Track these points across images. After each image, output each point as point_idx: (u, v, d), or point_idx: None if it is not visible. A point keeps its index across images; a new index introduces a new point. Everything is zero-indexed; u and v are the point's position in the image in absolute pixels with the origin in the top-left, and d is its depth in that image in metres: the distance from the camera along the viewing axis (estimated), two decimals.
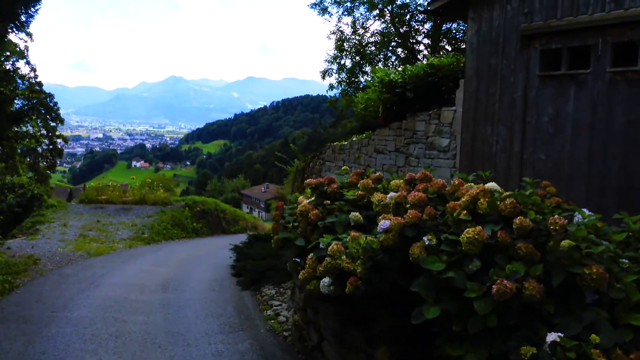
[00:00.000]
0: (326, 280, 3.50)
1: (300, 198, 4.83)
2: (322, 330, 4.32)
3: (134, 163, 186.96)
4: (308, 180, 4.46)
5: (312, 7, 23.36)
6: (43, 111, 24.62)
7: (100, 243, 13.61)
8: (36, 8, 21.20)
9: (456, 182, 3.31)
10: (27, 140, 13.17)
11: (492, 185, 3.52)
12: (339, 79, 23.40)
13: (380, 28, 22.61)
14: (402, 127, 7.56)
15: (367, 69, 23.01)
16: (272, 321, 6.37)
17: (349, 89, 23.47)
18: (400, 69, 8.11)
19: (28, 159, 24.54)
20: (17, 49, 24.26)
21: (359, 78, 23.55)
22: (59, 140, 24.76)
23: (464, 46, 8.30)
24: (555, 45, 5.18)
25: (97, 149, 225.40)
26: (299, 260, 4.45)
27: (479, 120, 5.95)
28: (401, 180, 3.90)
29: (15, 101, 21.61)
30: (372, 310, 3.61)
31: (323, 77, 22.89)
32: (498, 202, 2.93)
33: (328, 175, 10.84)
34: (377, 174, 4.42)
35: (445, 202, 3.28)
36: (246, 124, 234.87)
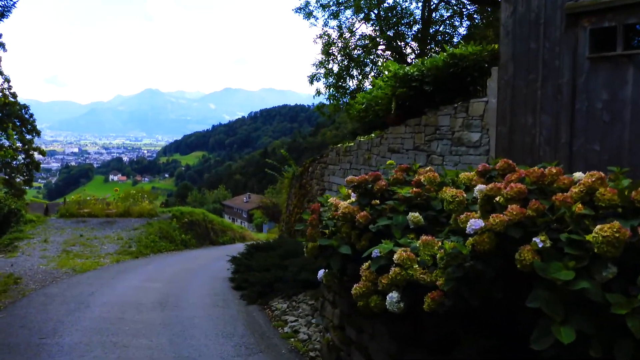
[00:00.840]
0: (394, 295, 2.86)
1: (334, 200, 4.19)
2: (371, 353, 3.67)
3: (111, 177, 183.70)
4: (350, 177, 3.83)
5: (296, 12, 22.88)
6: (18, 123, 23.57)
7: (85, 259, 12.72)
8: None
9: (554, 171, 2.72)
10: (4, 151, 12.27)
11: (578, 175, 2.96)
12: (327, 83, 22.84)
13: (367, 32, 22.20)
14: (422, 124, 6.99)
15: (355, 72, 22.58)
16: (292, 339, 5.68)
17: (336, 94, 22.94)
18: (416, 61, 7.57)
19: (2, 175, 23.39)
20: None
21: (347, 82, 23.05)
22: (35, 154, 23.68)
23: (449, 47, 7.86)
24: (608, 24, 4.66)
25: (73, 163, 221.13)
26: (334, 270, 3.82)
27: (517, 110, 5.40)
28: (472, 173, 3.30)
29: None
30: (444, 329, 2.97)
31: (311, 82, 22.33)
32: (626, 192, 2.35)
33: (332, 180, 10.23)
34: (428, 168, 3.81)
35: (543, 195, 2.69)
36: (224, 135, 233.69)
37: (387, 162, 4.33)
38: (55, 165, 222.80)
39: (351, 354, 4.02)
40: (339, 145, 9.96)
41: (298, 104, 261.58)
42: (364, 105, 10.72)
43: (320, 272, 4.61)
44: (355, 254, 3.58)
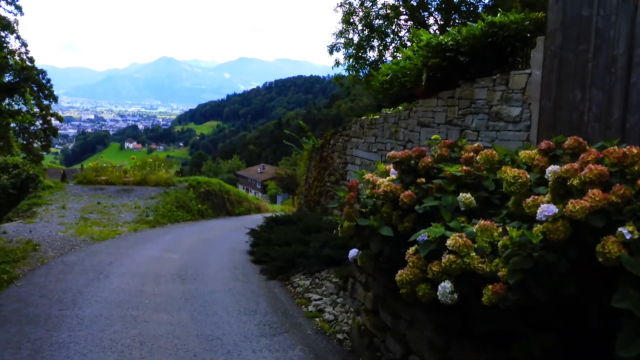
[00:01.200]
0: (447, 285, 2.60)
1: (370, 176, 3.91)
2: (409, 342, 3.44)
3: (126, 144, 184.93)
4: (392, 153, 3.53)
5: None
6: (35, 88, 23.43)
7: (102, 227, 12.66)
8: None
9: (634, 151, 2.39)
10: (22, 116, 12.11)
11: None
12: (347, 53, 22.29)
13: (389, 0, 21.48)
14: (456, 96, 6.62)
15: (376, 43, 22.00)
16: (317, 319, 5.49)
17: (356, 65, 22.42)
18: (450, 30, 7.14)
19: (20, 140, 23.41)
20: (7, 23, 22.98)
21: (367, 53, 22.48)
22: (52, 119, 23.60)
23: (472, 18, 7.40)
24: None
25: (90, 130, 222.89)
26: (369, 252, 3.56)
27: (564, 84, 5.02)
28: (533, 151, 2.99)
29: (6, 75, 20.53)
30: (498, 323, 2.70)
31: (330, 52, 21.78)
32: None
33: (355, 153, 9.92)
34: (476, 145, 3.49)
35: (624, 179, 2.37)
36: (239, 105, 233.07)
37: (433, 137, 4.00)
38: (72, 131, 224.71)
39: (386, 340, 3.79)
40: (362, 117, 9.60)
41: (313, 75, 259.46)
42: (388, 77, 10.30)
43: (353, 252, 4.37)
44: (396, 236, 3.31)
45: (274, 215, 11.25)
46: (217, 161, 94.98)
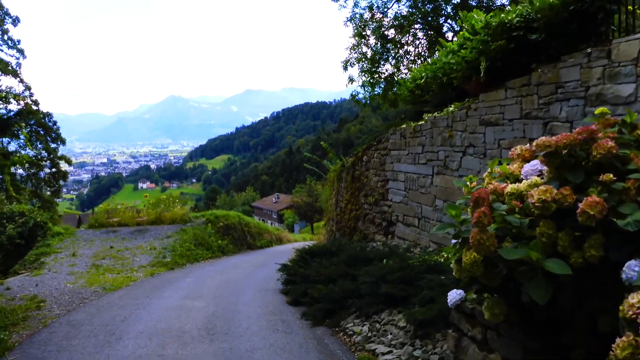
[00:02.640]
0: None
1: (493, 183, 2.60)
2: None
3: (140, 185, 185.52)
4: (541, 139, 2.23)
5: None
6: (42, 132, 22.63)
7: (116, 273, 11.44)
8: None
9: None
10: (18, 156, 11.12)
11: None
12: (361, 67, 21.24)
13: (401, 10, 20.49)
14: (532, 83, 5.33)
15: (392, 53, 20.97)
16: None
17: (371, 80, 21.36)
18: (512, 7, 5.94)
19: (30, 186, 22.51)
20: (10, 67, 22.37)
21: (382, 67, 21.43)
22: (61, 163, 22.71)
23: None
24: None
25: (103, 173, 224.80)
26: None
27: None
28: None
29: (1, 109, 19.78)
30: None
31: (345, 68, 20.76)
32: None
33: (396, 168, 8.64)
34: None
35: None
36: (248, 137, 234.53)
37: (596, 111, 2.66)
38: (86, 176, 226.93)
39: None
40: (403, 126, 8.34)
41: (320, 101, 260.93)
42: (422, 80, 9.10)
43: (455, 295, 3.07)
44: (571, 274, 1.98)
45: (306, 246, 9.93)
46: (231, 194, 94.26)
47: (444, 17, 21.06)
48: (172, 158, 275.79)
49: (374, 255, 7.42)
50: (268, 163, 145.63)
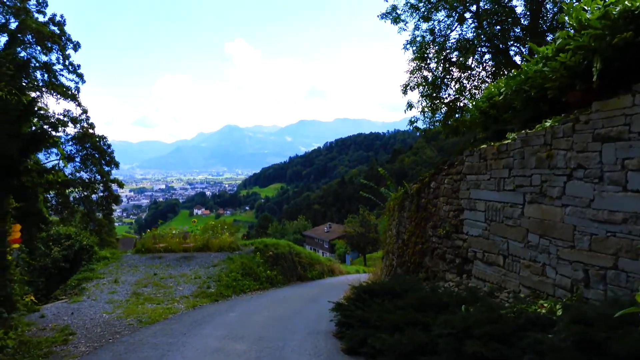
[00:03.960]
0: None
1: None
2: None
3: (195, 211, 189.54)
4: None
5: (382, 17, 20.37)
6: (97, 155, 22.71)
7: (156, 304, 10.60)
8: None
9: None
10: (53, 174, 10.70)
11: None
12: (423, 92, 20.08)
13: (467, 33, 19.31)
14: None
15: (455, 74, 19.75)
16: None
17: (432, 105, 20.17)
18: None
19: (82, 207, 22.53)
20: (69, 92, 22.76)
21: (444, 92, 20.21)
22: (113, 185, 22.67)
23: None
24: None
25: (161, 199, 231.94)
26: None
27: None
28: None
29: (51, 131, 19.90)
30: None
31: (404, 92, 19.66)
32: None
33: (474, 195, 7.35)
34: None
35: None
36: (301, 166, 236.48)
37: None
38: (145, 201, 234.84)
39: None
40: (482, 146, 7.10)
41: (373, 132, 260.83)
42: (501, 97, 7.88)
43: None
44: None
45: (362, 281, 8.72)
46: (282, 222, 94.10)
47: (512, 40, 19.69)
48: (226, 185, 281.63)
49: (449, 300, 6.13)
50: (320, 192, 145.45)
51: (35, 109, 7.69)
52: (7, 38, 17.77)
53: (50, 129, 22.31)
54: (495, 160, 6.64)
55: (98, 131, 21.76)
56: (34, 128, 7.14)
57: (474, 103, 9.62)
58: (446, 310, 5.93)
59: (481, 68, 19.89)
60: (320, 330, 8.01)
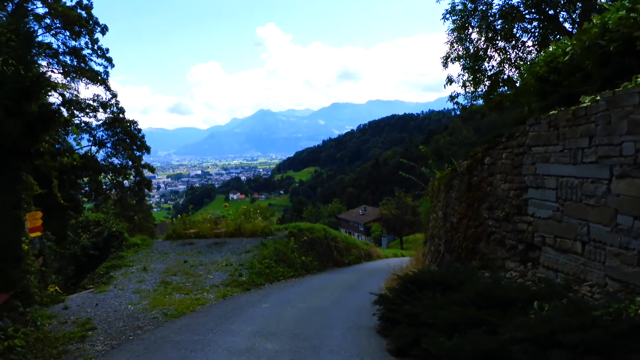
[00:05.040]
0: None
1: None
2: None
3: (231, 195, 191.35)
4: None
5: None
6: (128, 140, 22.32)
7: (184, 294, 9.95)
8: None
9: None
10: (67, 157, 10.13)
11: None
12: (463, 65, 18.68)
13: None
14: None
15: (500, 44, 18.29)
16: None
17: (474, 78, 18.77)
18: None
19: (115, 191, 22.26)
20: (99, 77, 22.38)
21: (485, 64, 18.75)
22: (145, 170, 22.27)
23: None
24: None
25: (197, 184, 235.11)
26: None
27: None
28: None
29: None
30: None
31: (445, 64, 18.33)
32: None
33: (541, 170, 6.25)
34: None
35: None
36: (334, 149, 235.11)
37: None
38: (182, 187, 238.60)
39: None
40: (552, 112, 6.00)
41: (407, 113, 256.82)
42: (567, 57, 6.77)
43: None
44: None
45: (406, 269, 7.79)
46: (317, 206, 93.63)
47: (561, 6, 18.03)
48: (261, 170, 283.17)
49: (518, 294, 5.13)
50: (354, 175, 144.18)
51: (47, 86, 6.98)
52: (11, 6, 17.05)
53: (81, 114, 22.10)
54: (570, 127, 5.54)
55: (135, 119, 21.36)
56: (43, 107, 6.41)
57: (528, 69, 8.43)
58: (514, 307, 4.95)
59: (528, 37, 18.38)
60: (362, 326, 7.15)
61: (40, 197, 10.33)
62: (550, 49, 7.84)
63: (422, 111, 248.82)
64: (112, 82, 23.22)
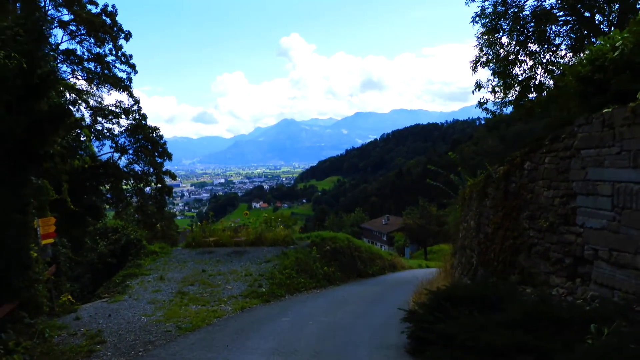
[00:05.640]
0: None
1: None
2: None
3: (254, 204, 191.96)
4: None
5: None
6: (149, 147, 22.16)
7: (201, 305, 9.49)
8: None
9: None
10: (78, 160, 9.82)
11: None
12: (494, 69, 17.92)
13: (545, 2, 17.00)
14: None
15: (534, 48, 17.51)
16: None
17: (504, 83, 17.99)
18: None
19: (135, 199, 22.10)
20: (122, 83, 22.33)
21: (516, 69, 17.98)
22: (166, 177, 22.04)
23: None
24: None
25: (220, 193, 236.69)
26: None
27: None
28: None
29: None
30: None
31: (474, 69, 17.63)
32: None
33: (593, 175, 5.57)
34: None
35: None
36: (357, 159, 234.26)
37: None
38: (205, 195, 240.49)
39: None
40: (605, 110, 5.36)
41: (430, 122, 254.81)
42: (616, 53, 6.14)
43: None
44: None
45: (441, 286, 7.18)
46: (340, 215, 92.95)
47: (597, 7, 17.17)
48: (284, 179, 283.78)
49: (571, 315, 4.49)
50: (377, 185, 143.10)
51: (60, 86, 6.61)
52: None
53: (104, 121, 22.05)
54: (628, 126, 4.90)
55: (157, 126, 21.19)
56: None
57: (569, 69, 7.75)
58: (567, 330, 4.32)
59: (561, 40, 17.57)
60: (390, 344, 6.56)
61: (57, 203, 10.02)
62: (598, 43, 7.17)
63: (446, 120, 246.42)
64: (138, 92, 23.31)
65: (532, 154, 6.87)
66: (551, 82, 17.10)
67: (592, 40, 15.99)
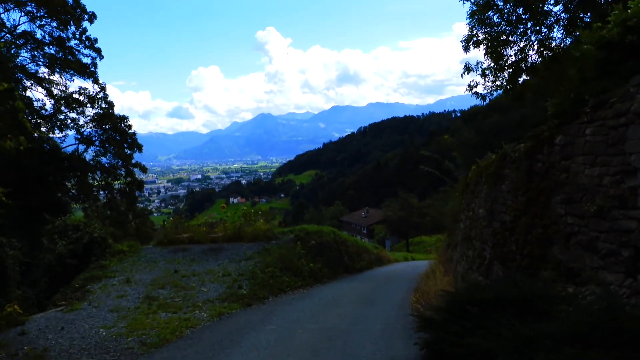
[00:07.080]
0: None
1: None
2: None
3: (231, 199, 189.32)
4: None
5: None
6: (117, 138, 20.53)
7: (172, 312, 8.18)
8: None
9: None
10: (10, 140, 8.33)
11: None
12: (486, 50, 16.79)
13: None
14: None
15: (519, 35, 16.52)
16: None
17: (495, 66, 16.89)
18: None
19: (103, 194, 20.50)
20: (88, 69, 20.62)
21: (507, 51, 16.92)
22: (136, 170, 20.45)
23: None
24: None
25: (197, 189, 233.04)
26: None
27: None
28: None
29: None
30: None
31: (465, 48, 16.50)
32: None
33: None
34: None
35: None
36: (335, 152, 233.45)
37: None
38: (182, 191, 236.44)
39: None
40: None
41: (407, 115, 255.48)
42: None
43: None
44: None
45: (460, 287, 6.02)
46: (319, 209, 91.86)
47: None
48: (261, 174, 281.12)
49: (632, 324, 3.35)
50: (355, 178, 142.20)
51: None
52: None
53: (67, 110, 20.32)
54: None
55: (125, 115, 19.59)
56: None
57: (588, 35, 6.60)
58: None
59: (553, 20, 16.59)
60: (398, 358, 5.37)
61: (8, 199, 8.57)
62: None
63: (423, 113, 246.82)
64: (112, 87, 21.64)
65: (566, 126, 5.72)
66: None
67: (587, 20, 15.04)
